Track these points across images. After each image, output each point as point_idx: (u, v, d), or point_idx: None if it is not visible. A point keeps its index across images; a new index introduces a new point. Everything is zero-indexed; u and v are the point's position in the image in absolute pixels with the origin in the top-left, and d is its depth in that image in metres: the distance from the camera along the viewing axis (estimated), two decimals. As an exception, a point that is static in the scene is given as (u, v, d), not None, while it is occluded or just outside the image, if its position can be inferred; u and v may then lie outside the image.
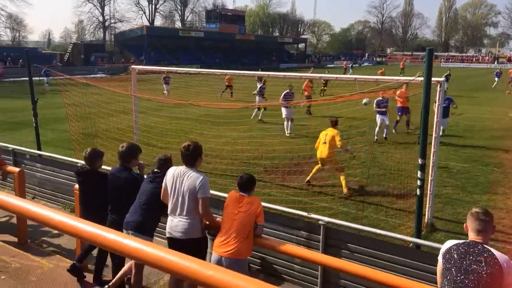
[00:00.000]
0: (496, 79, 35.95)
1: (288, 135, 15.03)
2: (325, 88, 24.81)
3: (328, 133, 9.57)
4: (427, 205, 7.31)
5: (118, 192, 4.99)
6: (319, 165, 9.74)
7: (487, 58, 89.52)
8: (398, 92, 14.55)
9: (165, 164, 4.95)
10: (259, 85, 18.73)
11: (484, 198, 8.93)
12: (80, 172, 5.47)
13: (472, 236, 3.13)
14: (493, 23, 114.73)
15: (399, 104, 15.14)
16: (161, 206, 4.79)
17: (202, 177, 4.51)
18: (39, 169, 8.58)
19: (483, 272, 2.90)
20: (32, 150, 9.43)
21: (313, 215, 5.50)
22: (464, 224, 3.23)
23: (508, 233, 7.07)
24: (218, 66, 54.59)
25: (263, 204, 4.86)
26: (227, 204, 4.56)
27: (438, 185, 8.87)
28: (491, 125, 16.06)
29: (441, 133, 13.32)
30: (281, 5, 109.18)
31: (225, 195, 4.92)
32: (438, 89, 7.25)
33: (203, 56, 67.19)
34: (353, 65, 58.52)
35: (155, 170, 4.95)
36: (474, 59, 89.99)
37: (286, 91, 15.87)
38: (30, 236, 6.70)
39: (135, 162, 5.21)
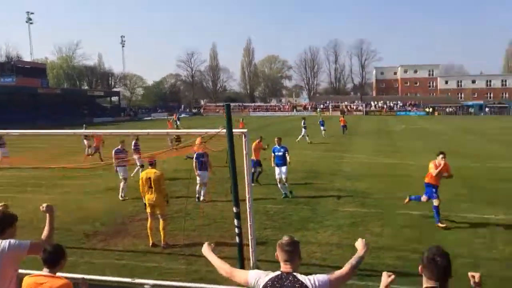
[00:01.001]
0: (322, 127, 33.98)
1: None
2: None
3: (151, 177, 9.02)
4: (250, 250, 7.65)
5: None
6: (149, 219, 9.17)
7: (287, 107, 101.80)
8: (253, 144, 15.08)
9: None
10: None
11: (298, 235, 9.78)
12: None
13: (282, 266, 3.39)
14: (287, 76, 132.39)
15: (253, 157, 14.79)
16: None
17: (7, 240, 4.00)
18: None
19: None
20: None
21: (137, 280, 5.23)
22: (276, 253, 3.48)
23: (321, 265, 7.82)
24: (21, 124, 49.05)
25: (85, 276, 4.44)
26: None
27: (258, 229, 9.43)
28: (295, 167, 17.90)
29: (284, 183, 13.33)
30: (86, 58, 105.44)
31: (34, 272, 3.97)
32: (244, 139, 7.52)
33: (-1, 112, 59.61)
34: (180, 117, 58.94)
35: None
36: (277, 108, 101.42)
37: (117, 148, 14.30)
38: None
39: None
